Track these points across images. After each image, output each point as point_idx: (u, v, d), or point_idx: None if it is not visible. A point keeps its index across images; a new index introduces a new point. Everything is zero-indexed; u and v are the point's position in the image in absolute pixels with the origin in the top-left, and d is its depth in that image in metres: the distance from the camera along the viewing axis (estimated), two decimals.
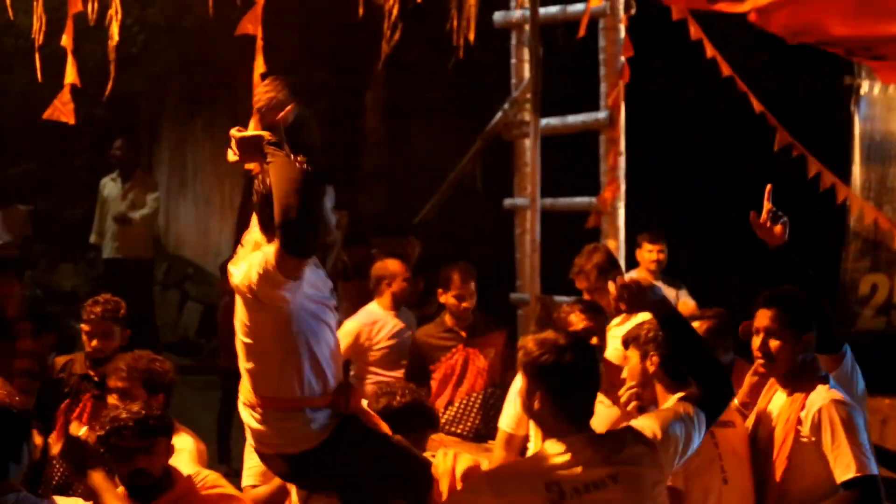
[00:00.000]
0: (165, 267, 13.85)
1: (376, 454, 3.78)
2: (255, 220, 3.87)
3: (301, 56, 11.72)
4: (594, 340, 5.03)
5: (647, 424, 3.48)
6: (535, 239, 7.53)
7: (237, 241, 12.80)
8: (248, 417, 3.79)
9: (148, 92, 13.05)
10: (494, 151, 8.67)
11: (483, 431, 5.89)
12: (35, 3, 4.71)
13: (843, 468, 3.93)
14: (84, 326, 5.44)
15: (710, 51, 7.47)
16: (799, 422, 4.06)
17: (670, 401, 3.82)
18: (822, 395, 4.07)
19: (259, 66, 5.17)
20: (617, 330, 5.79)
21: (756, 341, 4.22)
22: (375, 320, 6.58)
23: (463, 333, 6.12)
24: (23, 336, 6.85)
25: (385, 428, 3.89)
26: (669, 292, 7.58)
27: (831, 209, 8.20)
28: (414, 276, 7.59)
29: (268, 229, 3.70)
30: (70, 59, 4.58)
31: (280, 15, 10.84)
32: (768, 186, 4.13)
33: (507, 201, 8.28)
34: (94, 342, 5.39)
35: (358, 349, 6.44)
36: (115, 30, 4.82)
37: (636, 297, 3.80)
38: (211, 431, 8.00)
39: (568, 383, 3.35)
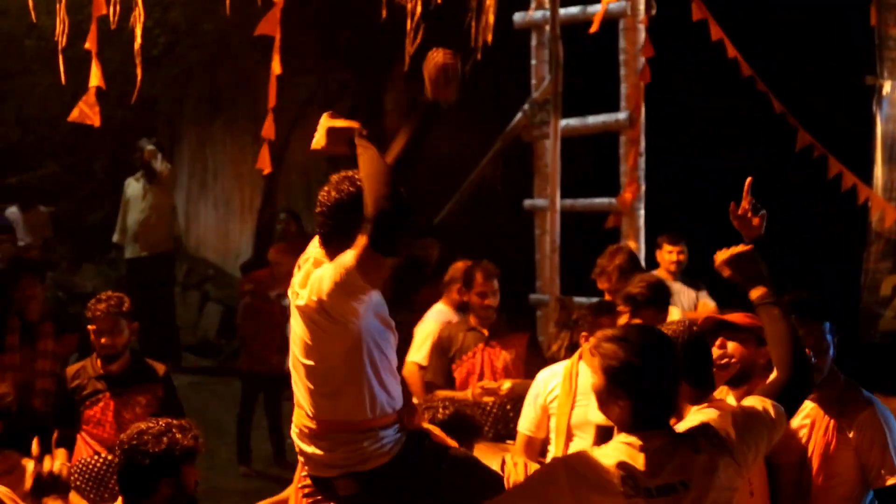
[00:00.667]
0: (186, 268, 13.91)
1: (447, 467, 3.68)
2: (314, 240, 3.71)
3: (323, 57, 11.78)
4: None
5: (724, 424, 3.36)
6: (555, 240, 7.57)
7: (257, 243, 12.95)
8: (310, 446, 3.64)
9: (168, 94, 13.11)
10: (514, 152, 8.70)
11: (503, 432, 5.89)
12: (58, 5, 4.76)
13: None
14: (91, 326, 5.47)
15: (731, 51, 7.49)
16: (838, 428, 4.02)
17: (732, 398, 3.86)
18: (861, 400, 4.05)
19: (276, 67, 5.19)
20: None
21: None
22: (449, 320, 6.56)
23: (485, 332, 6.13)
24: (45, 337, 6.93)
25: (451, 442, 3.83)
26: (689, 293, 7.59)
27: (853, 210, 8.19)
28: (433, 277, 7.62)
29: (331, 243, 3.57)
30: (94, 62, 4.64)
31: (302, 15, 10.93)
32: (748, 179, 4.10)
33: (527, 202, 8.31)
34: (104, 339, 5.42)
35: (440, 348, 6.32)
36: (138, 32, 4.87)
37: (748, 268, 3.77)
38: (230, 433, 8.04)
39: (650, 384, 3.23)
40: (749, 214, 4.11)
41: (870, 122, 8.41)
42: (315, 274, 3.51)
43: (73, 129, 13.78)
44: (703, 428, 3.33)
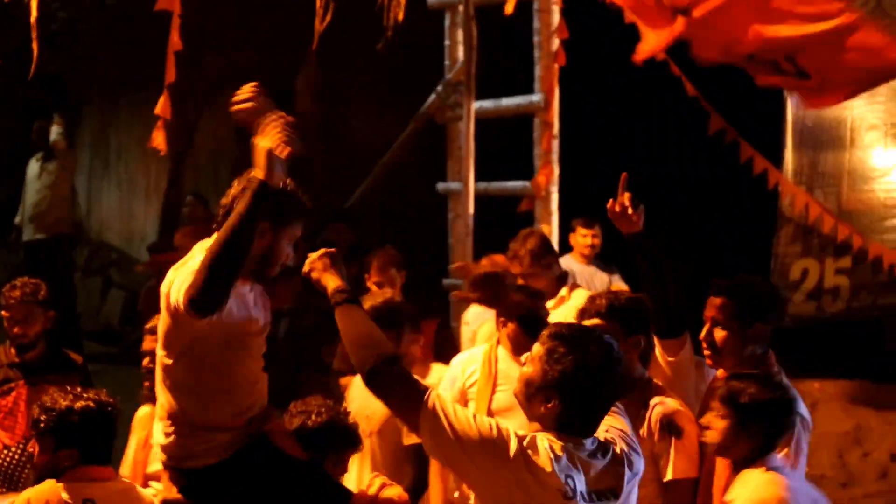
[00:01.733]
0: (87, 252, 13.67)
1: (282, 477, 3.65)
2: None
3: (231, 36, 11.64)
4: None
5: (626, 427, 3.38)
6: (469, 223, 7.58)
7: (163, 226, 12.78)
8: (157, 432, 3.69)
9: (71, 72, 12.86)
10: (428, 135, 8.68)
11: None
12: None
13: None
14: (4, 313, 5.37)
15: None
16: None
17: None
18: None
19: (175, 43, 5.07)
20: (554, 312, 5.86)
21: (703, 331, 4.16)
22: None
23: None
24: None
25: (298, 452, 3.75)
26: (603, 277, 7.67)
27: (763, 194, 8.32)
28: (345, 263, 7.55)
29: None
30: None
31: None
32: (623, 175, 4.15)
33: (441, 185, 8.30)
34: (17, 328, 5.32)
35: None
36: (34, 5, 4.73)
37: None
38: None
39: (586, 389, 3.18)
40: (629, 210, 4.16)
41: (780, 107, 8.54)
42: (182, 271, 3.46)
43: None
44: (623, 434, 3.32)
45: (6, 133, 13.87)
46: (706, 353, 4.19)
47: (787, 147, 8.43)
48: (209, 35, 11.65)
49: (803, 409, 4.00)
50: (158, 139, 5.25)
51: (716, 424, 3.72)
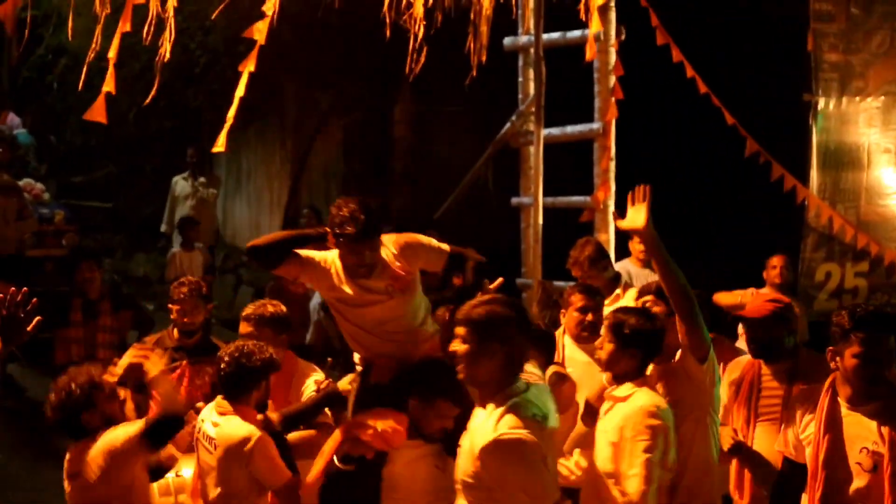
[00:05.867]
0: (223, 255, 13.91)
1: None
2: None
3: (340, 73, 11.76)
4: (590, 317, 5.02)
5: None
6: (538, 232, 7.56)
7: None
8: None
9: (209, 105, 13.10)
10: (504, 157, 8.68)
11: None
12: (118, 29, 4.71)
13: None
14: (174, 306, 5.42)
15: (689, 72, 7.48)
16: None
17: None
18: None
19: (250, 65, 5.08)
20: (608, 308, 5.82)
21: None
22: None
23: None
24: (104, 314, 6.94)
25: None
26: (656, 278, 7.58)
27: (792, 208, 8.18)
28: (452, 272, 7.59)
29: None
30: (111, 71, 4.61)
31: (323, 38, 10.91)
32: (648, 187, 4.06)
33: (514, 200, 8.30)
34: (185, 318, 5.39)
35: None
36: (166, 48, 4.83)
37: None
38: None
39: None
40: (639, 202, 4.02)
41: (807, 133, 8.40)
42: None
43: (127, 136, 13.84)
44: None
45: (156, 157, 14.19)
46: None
47: (812, 167, 8.29)
48: (320, 72, 11.80)
49: None
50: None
51: (606, 347, 3.94)
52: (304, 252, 4.23)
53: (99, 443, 3.71)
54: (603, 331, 3.96)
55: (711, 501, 4.07)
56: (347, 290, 4.16)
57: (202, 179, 10.29)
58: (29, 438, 7.35)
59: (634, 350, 3.89)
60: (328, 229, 4.11)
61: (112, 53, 4.57)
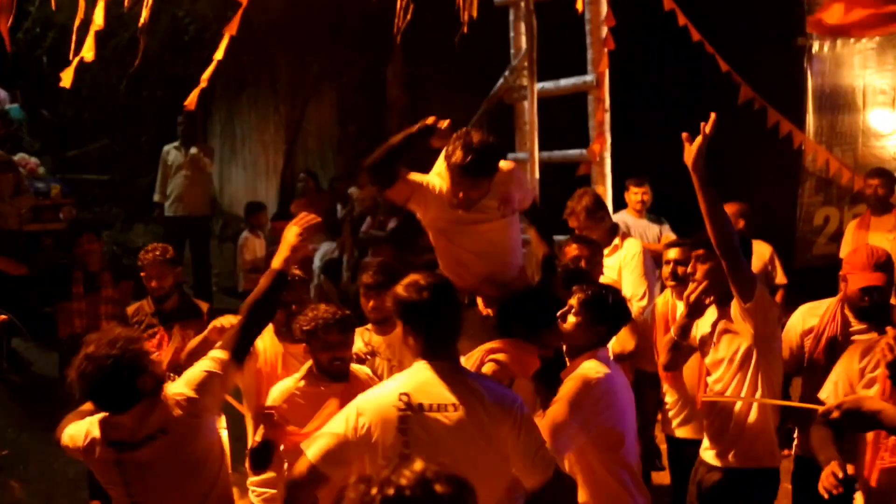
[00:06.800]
0: (221, 223, 13.87)
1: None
2: None
3: (331, 38, 11.68)
4: (582, 264, 5.05)
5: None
6: (535, 186, 7.54)
7: (281, 199, 12.84)
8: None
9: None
10: (499, 113, 8.64)
11: None
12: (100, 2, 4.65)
13: None
14: (142, 273, 5.52)
15: (681, 19, 7.42)
16: None
17: None
18: None
19: (233, 28, 5.04)
20: (608, 259, 5.82)
21: None
22: None
23: None
24: (105, 286, 6.94)
25: None
26: (653, 228, 7.59)
27: (789, 152, 8.16)
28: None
29: None
30: (91, 38, 4.55)
31: (312, 4, 10.82)
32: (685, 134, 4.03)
33: (510, 155, 8.27)
34: (153, 283, 5.47)
35: None
36: (144, 14, 4.76)
37: None
38: None
39: (427, 319, 3.27)
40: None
41: (802, 77, 8.36)
42: None
43: (120, 108, 13.77)
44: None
45: (152, 128, 14.11)
46: None
47: (808, 112, 8.27)
48: (311, 38, 11.71)
49: None
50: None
51: (570, 320, 3.89)
52: (415, 176, 4.29)
53: (177, 389, 3.46)
54: (574, 301, 3.89)
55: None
56: (456, 217, 4.23)
57: (194, 150, 10.21)
58: (37, 412, 7.38)
59: (602, 327, 3.90)
60: (445, 161, 4.19)
61: (99, 19, 4.50)
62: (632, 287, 5.83)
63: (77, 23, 4.49)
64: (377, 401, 3.21)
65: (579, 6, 6.98)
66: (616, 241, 6.10)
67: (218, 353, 3.54)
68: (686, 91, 9.84)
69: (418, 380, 3.21)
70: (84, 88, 12.53)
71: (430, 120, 4.25)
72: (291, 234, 3.74)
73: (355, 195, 10.13)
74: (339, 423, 3.20)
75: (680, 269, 5.03)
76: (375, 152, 4.24)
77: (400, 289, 3.31)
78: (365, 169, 4.28)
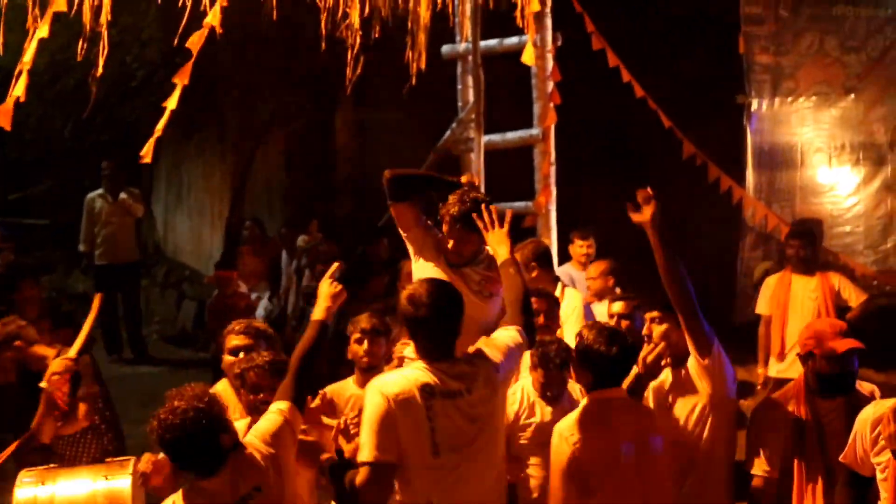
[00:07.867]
0: (165, 270, 13.72)
1: None
2: None
3: (280, 84, 11.68)
4: (541, 320, 5.05)
5: (491, 352, 3.79)
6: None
7: (226, 246, 12.66)
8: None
9: (147, 119, 12.93)
10: (446, 164, 8.68)
11: None
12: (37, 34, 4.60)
13: None
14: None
15: (625, 76, 7.56)
16: None
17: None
18: None
19: (185, 77, 5.02)
20: None
21: None
22: None
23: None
24: (43, 333, 6.79)
25: None
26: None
27: (729, 208, 8.30)
28: (383, 272, 7.59)
29: None
30: (24, 77, 4.50)
31: (263, 47, 10.82)
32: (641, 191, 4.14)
33: None
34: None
35: None
36: (100, 63, 4.75)
37: None
38: None
39: (424, 332, 3.68)
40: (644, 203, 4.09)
41: (741, 134, 8.53)
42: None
43: (64, 151, 13.60)
44: (478, 352, 3.80)
45: (95, 173, 13.97)
46: None
47: (748, 168, 8.43)
48: (258, 83, 11.71)
49: None
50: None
51: (537, 375, 4.53)
52: (424, 218, 4.41)
53: (255, 443, 3.45)
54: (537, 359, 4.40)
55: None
56: (441, 268, 4.28)
57: (123, 195, 10.09)
58: None
59: (588, 372, 4.15)
60: (446, 207, 4.31)
61: (27, 57, 4.45)
62: (573, 340, 5.83)
63: (19, 67, 4.44)
64: (396, 383, 3.59)
65: (528, 60, 7.08)
66: (556, 291, 6.13)
67: (280, 405, 3.63)
68: (631, 145, 10.01)
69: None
70: (27, 132, 12.39)
71: (466, 178, 4.46)
72: (326, 286, 3.93)
73: (302, 245, 10.09)
74: (372, 412, 3.52)
75: (623, 323, 5.05)
76: (403, 170, 4.39)
77: (403, 300, 3.69)
78: (386, 177, 4.32)
